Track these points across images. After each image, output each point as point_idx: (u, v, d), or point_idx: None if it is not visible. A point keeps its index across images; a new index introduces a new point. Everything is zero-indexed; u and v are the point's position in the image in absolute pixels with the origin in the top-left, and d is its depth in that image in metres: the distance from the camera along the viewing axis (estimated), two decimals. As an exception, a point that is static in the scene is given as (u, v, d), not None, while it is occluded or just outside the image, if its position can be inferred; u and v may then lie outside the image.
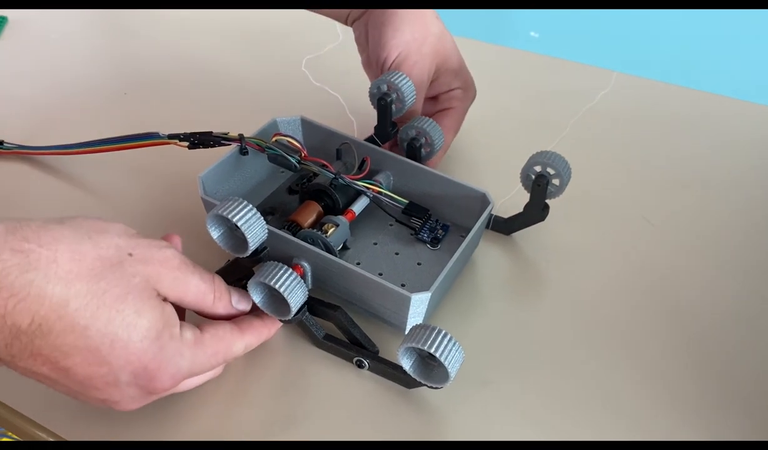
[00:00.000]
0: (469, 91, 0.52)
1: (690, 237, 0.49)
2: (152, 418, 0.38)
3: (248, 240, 0.35)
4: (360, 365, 0.39)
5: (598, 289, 0.45)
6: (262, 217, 0.36)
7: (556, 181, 0.43)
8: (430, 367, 0.35)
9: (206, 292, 0.35)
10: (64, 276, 0.29)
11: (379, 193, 0.44)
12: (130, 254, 0.32)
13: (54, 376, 0.30)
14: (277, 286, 0.35)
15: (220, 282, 0.36)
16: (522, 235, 0.48)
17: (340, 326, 0.39)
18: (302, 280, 0.36)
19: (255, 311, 0.38)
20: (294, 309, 0.36)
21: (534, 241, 0.48)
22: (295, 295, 0.36)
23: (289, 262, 0.40)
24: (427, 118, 0.46)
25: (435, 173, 0.45)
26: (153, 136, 0.46)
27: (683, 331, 0.43)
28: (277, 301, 0.37)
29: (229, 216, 0.34)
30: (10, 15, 0.75)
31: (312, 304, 0.39)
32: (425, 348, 0.33)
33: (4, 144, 0.55)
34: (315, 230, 0.41)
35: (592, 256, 0.47)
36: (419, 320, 0.39)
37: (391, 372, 0.38)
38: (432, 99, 0.52)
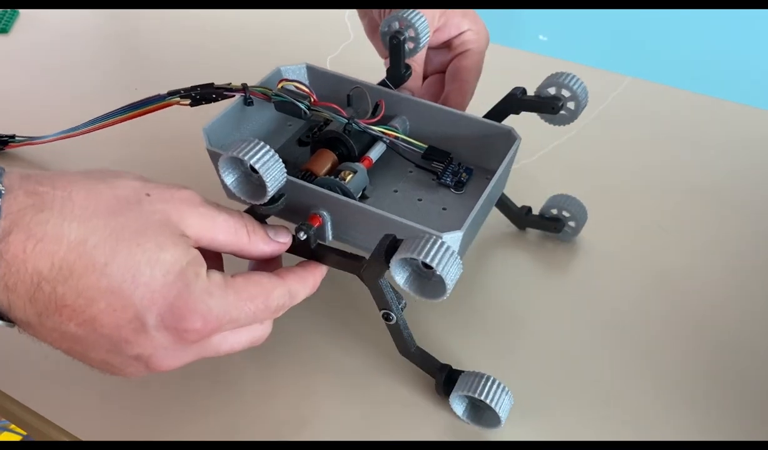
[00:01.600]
0: (481, 33, 0.49)
1: (702, 242, 0.49)
2: (153, 417, 0.38)
3: (267, 184, 0.32)
4: (387, 318, 0.37)
5: (609, 290, 0.46)
6: (281, 159, 0.33)
7: (572, 224, 0.47)
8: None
9: (237, 227, 0.32)
10: (80, 214, 0.28)
11: (396, 138, 0.42)
12: (148, 194, 0.30)
13: (82, 333, 0.28)
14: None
15: (249, 217, 0.33)
16: (536, 237, 0.49)
17: (364, 278, 0.36)
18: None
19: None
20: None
21: (546, 243, 0.49)
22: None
23: (306, 213, 0.37)
24: (412, 9, 0.42)
25: (454, 112, 0.42)
26: (154, 100, 0.43)
27: (699, 336, 0.43)
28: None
29: (246, 158, 0.31)
30: (22, 9, 0.77)
31: (332, 256, 0.36)
32: None
33: (16, 137, 0.56)
34: (332, 177, 0.38)
35: (603, 258, 0.48)
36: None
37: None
38: (445, 47, 0.49)
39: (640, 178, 0.55)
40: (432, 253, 0.30)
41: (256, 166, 0.31)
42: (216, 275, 0.31)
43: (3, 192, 0.27)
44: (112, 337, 0.29)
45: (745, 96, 0.66)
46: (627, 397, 0.40)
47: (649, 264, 0.47)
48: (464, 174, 0.42)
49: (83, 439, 0.37)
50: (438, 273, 0.30)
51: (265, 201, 0.33)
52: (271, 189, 0.32)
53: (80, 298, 0.28)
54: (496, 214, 0.48)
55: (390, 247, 0.33)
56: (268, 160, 0.32)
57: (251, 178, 0.34)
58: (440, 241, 0.31)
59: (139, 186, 0.31)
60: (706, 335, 0.43)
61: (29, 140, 0.55)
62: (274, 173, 0.32)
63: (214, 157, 0.38)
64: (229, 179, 0.34)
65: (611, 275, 0.47)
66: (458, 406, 0.37)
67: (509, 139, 0.40)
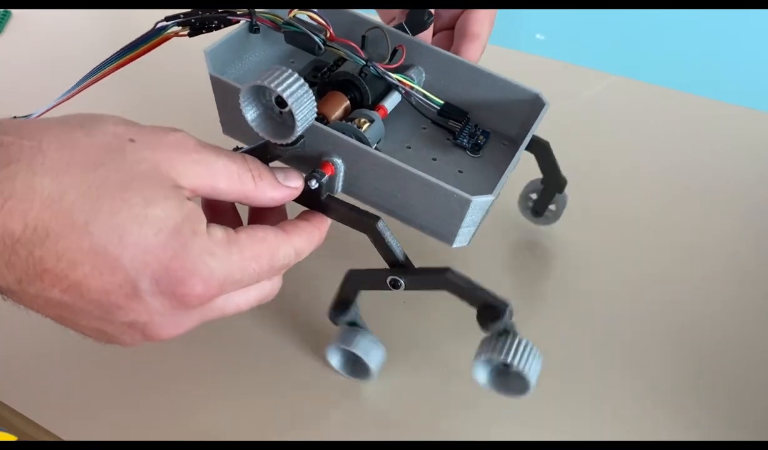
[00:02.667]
0: None
1: (688, 242, 0.48)
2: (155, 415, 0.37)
3: (297, 120, 0.28)
4: (395, 285, 0.34)
5: (594, 291, 0.45)
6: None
7: (552, 208, 0.46)
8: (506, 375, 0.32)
9: (241, 172, 0.28)
10: (52, 166, 0.24)
11: (412, 89, 0.38)
12: (132, 140, 0.26)
13: (68, 299, 0.25)
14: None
15: (253, 159, 0.29)
16: (523, 238, 0.48)
17: (376, 240, 0.33)
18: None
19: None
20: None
21: (532, 242, 0.48)
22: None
23: (317, 160, 0.33)
24: None
25: (477, 68, 0.39)
26: (150, 36, 0.36)
27: (684, 336, 0.42)
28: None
29: (278, 88, 0.27)
30: (14, 10, 0.74)
31: (344, 211, 0.33)
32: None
33: (15, 118, 0.50)
34: (348, 123, 0.34)
35: (586, 255, 0.47)
36: (471, 231, 0.33)
37: (429, 280, 0.33)
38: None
39: (626, 176, 0.54)
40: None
41: (288, 99, 0.27)
42: (217, 231, 0.27)
43: None
44: (101, 303, 0.25)
45: (737, 96, 0.66)
46: (609, 396, 0.39)
47: (633, 263, 0.46)
48: (481, 137, 0.39)
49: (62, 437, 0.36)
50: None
51: (291, 141, 0.29)
52: (301, 127, 0.28)
53: (61, 262, 0.24)
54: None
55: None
56: (301, 94, 0.28)
57: (273, 113, 0.30)
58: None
59: (122, 131, 0.27)
60: (690, 334, 0.42)
61: (26, 118, 0.49)
62: (305, 108, 0.28)
63: (217, 84, 0.34)
64: (251, 114, 0.29)
65: (594, 274, 0.46)
66: (481, 373, 0.33)
67: (536, 104, 0.38)
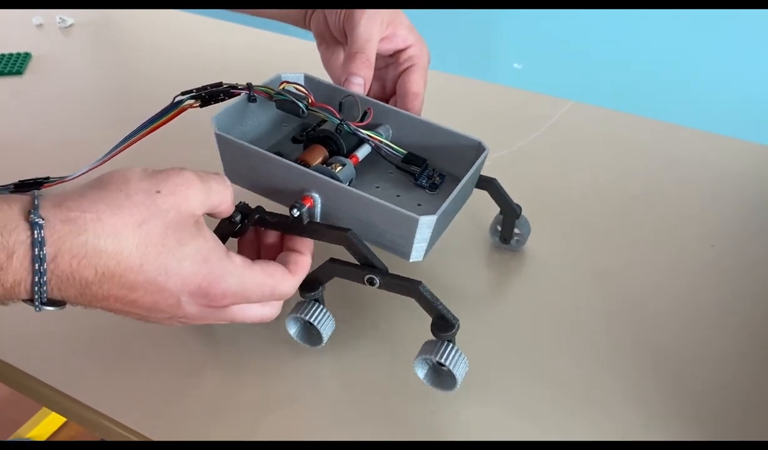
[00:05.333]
0: (424, 50, 0.53)
1: (637, 244, 0.56)
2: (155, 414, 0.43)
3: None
4: (371, 282, 0.41)
5: (553, 293, 0.51)
6: (331, 315, 0.44)
7: (517, 231, 0.54)
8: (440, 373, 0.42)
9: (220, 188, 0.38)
10: (111, 231, 0.33)
11: (380, 142, 0.47)
12: (158, 191, 0.35)
13: (125, 309, 0.36)
14: (312, 320, 0.43)
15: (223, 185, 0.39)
16: (489, 247, 0.55)
17: (350, 247, 0.41)
18: (329, 314, 0.44)
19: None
20: (325, 336, 0.44)
21: (499, 252, 0.55)
22: (326, 325, 0.44)
23: (300, 194, 0.42)
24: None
25: (431, 124, 0.48)
26: (169, 109, 0.46)
27: (630, 324, 0.49)
28: (308, 330, 0.45)
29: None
30: (33, 51, 0.87)
31: (322, 229, 0.41)
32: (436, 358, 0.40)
33: (50, 178, 0.59)
34: (324, 166, 0.43)
35: (548, 262, 0.54)
36: (423, 247, 0.41)
37: (402, 285, 0.41)
38: (392, 60, 0.53)
39: (579, 190, 0.62)
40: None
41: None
42: (237, 258, 0.38)
43: (43, 224, 0.32)
44: (150, 309, 0.36)
45: (677, 116, 0.75)
46: (569, 383, 0.45)
47: (590, 265, 0.53)
48: (438, 178, 0.48)
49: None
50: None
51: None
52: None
53: (123, 289, 0.34)
54: (457, 226, 0.53)
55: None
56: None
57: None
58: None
59: (147, 186, 0.35)
60: (637, 324, 0.49)
61: (61, 179, 0.57)
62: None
63: (221, 141, 0.43)
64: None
65: (556, 277, 0.52)
66: (420, 369, 0.42)
67: (479, 149, 0.47)
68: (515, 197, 0.51)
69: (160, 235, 0.34)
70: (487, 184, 0.50)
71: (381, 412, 0.43)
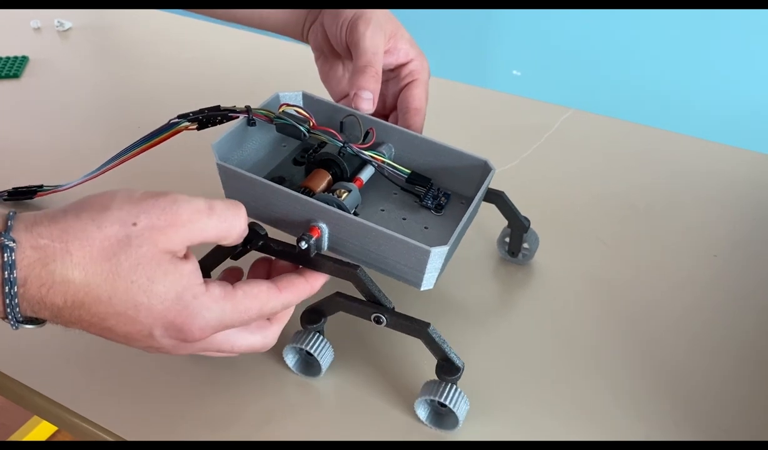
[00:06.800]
0: (425, 63, 0.52)
1: (640, 254, 0.56)
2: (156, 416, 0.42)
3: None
4: (378, 321, 0.41)
5: (560, 305, 0.51)
6: (330, 344, 0.43)
7: (526, 246, 0.53)
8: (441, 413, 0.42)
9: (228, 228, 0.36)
10: (79, 262, 0.32)
11: (384, 163, 0.46)
12: (135, 224, 0.33)
13: (102, 334, 0.35)
14: (311, 350, 0.42)
15: (237, 213, 0.37)
16: (497, 261, 0.55)
17: (358, 284, 0.40)
18: (329, 344, 0.43)
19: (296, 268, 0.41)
20: (324, 367, 0.44)
21: (507, 265, 0.55)
22: (325, 356, 0.43)
23: (306, 225, 0.41)
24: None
25: (435, 143, 0.47)
26: (165, 128, 0.45)
27: (636, 335, 0.49)
28: (307, 360, 0.45)
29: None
30: (31, 54, 0.85)
31: (329, 263, 0.40)
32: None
33: (43, 187, 0.60)
34: (329, 194, 0.42)
35: (554, 273, 0.53)
36: (434, 276, 0.41)
37: (408, 325, 0.40)
38: (393, 74, 0.52)
39: (582, 201, 0.61)
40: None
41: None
42: (215, 288, 0.35)
43: (14, 247, 0.31)
44: (126, 337, 0.35)
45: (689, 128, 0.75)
46: (576, 397, 0.44)
47: (593, 276, 0.53)
48: (443, 198, 0.47)
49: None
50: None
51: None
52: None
53: (95, 318, 0.33)
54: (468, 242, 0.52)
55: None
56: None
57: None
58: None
59: (125, 216, 0.33)
60: (643, 335, 0.48)
61: (55, 188, 0.58)
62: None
63: (223, 170, 0.42)
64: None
65: (563, 289, 0.52)
66: (422, 410, 0.42)
67: (485, 169, 0.46)
68: (519, 209, 0.50)
69: (130, 271, 0.33)
70: (495, 197, 0.49)
71: (379, 430, 0.42)
